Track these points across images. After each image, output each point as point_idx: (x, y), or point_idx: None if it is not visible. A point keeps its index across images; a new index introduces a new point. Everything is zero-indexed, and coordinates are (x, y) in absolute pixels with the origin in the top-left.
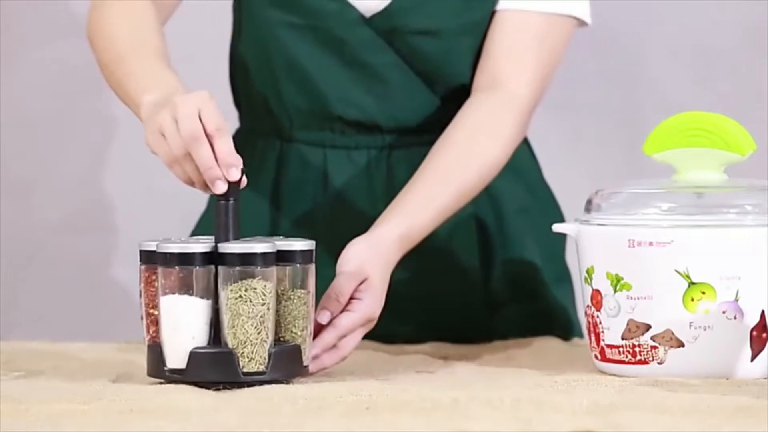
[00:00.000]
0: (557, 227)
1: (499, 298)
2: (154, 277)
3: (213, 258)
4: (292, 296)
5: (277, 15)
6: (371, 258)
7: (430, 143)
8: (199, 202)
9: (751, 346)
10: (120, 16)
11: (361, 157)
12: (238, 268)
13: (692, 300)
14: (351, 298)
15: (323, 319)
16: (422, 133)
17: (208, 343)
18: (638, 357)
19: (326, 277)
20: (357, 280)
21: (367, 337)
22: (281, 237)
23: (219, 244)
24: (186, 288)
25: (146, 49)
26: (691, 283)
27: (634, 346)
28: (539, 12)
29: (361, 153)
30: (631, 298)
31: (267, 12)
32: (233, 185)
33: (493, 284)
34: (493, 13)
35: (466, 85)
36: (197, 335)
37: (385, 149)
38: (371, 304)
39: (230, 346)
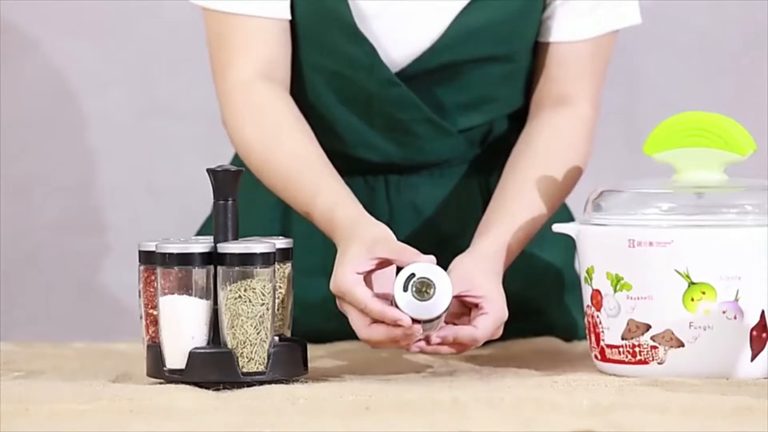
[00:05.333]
0: (557, 227)
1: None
2: (153, 278)
3: (212, 258)
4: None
5: (311, 56)
6: (479, 268)
7: (451, 166)
8: (200, 202)
9: (751, 346)
10: (248, 118)
11: (378, 182)
12: (237, 268)
13: (692, 300)
14: (475, 308)
15: (417, 346)
16: (442, 162)
17: (208, 343)
18: (638, 357)
19: (321, 283)
20: (467, 289)
21: None
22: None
23: (218, 245)
24: (185, 288)
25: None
26: (691, 283)
27: (634, 346)
28: (590, 39)
29: (378, 179)
30: (631, 298)
31: (303, 52)
32: (233, 186)
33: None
34: (537, 42)
35: (500, 107)
36: (196, 335)
37: (403, 176)
38: (493, 316)
39: (230, 346)
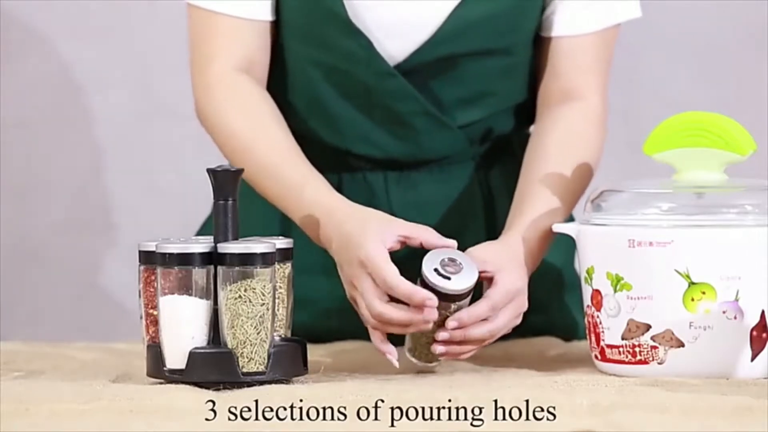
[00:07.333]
0: (557, 227)
1: None
2: (153, 278)
3: (212, 258)
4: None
5: (308, 52)
6: (496, 251)
7: (452, 163)
8: (200, 202)
9: (751, 346)
10: (233, 107)
11: (377, 179)
12: (237, 268)
13: (692, 300)
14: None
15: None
16: (442, 158)
17: (208, 344)
18: (638, 357)
19: (321, 282)
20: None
21: (368, 337)
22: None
23: (218, 245)
24: (185, 288)
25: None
26: (691, 283)
27: (634, 346)
28: (594, 32)
29: (377, 176)
30: (631, 298)
31: (299, 48)
32: (233, 186)
33: None
34: (541, 38)
35: (498, 102)
36: (197, 335)
37: (403, 173)
38: (502, 286)
39: (230, 346)
